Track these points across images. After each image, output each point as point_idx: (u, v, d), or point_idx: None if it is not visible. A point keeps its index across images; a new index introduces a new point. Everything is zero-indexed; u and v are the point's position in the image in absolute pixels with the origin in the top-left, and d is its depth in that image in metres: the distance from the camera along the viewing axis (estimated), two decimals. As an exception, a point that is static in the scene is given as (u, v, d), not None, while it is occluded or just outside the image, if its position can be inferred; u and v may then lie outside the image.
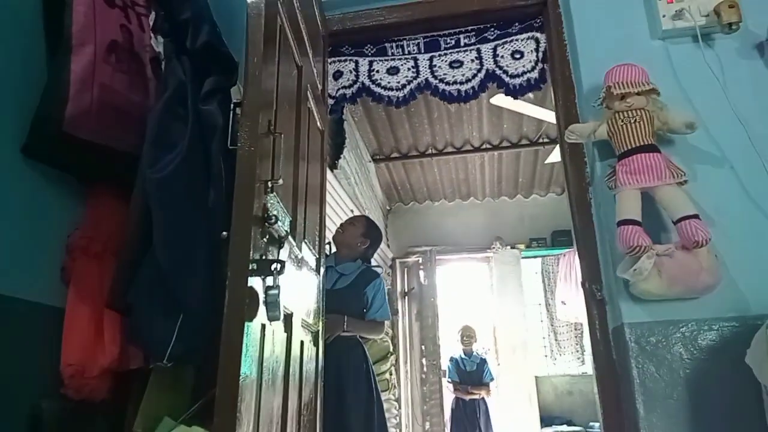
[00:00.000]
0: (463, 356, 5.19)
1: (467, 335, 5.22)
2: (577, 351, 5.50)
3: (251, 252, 1.19)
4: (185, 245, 1.34)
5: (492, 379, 5.08)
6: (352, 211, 4.29)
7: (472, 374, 5.05)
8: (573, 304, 5.22)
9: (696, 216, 1.56)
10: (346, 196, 4.13)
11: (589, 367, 4.53)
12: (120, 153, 1.46)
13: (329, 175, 3.68)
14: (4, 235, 1.29)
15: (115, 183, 1.51)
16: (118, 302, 1.36)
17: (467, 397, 4.98)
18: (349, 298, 2.50)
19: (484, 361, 5.15)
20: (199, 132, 1.43)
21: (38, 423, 1.26)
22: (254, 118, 1.29)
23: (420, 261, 5.88)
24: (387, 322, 2.76)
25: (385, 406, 4.85)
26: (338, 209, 3.95)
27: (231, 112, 1.52)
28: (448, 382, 5.24)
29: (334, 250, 2.74)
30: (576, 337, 5.52)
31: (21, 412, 1.28)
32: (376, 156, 5.20)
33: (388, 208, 6.21)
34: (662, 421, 1.55)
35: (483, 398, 4.99)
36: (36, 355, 1.33)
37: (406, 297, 5.90)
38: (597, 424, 4.30)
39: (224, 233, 1.19)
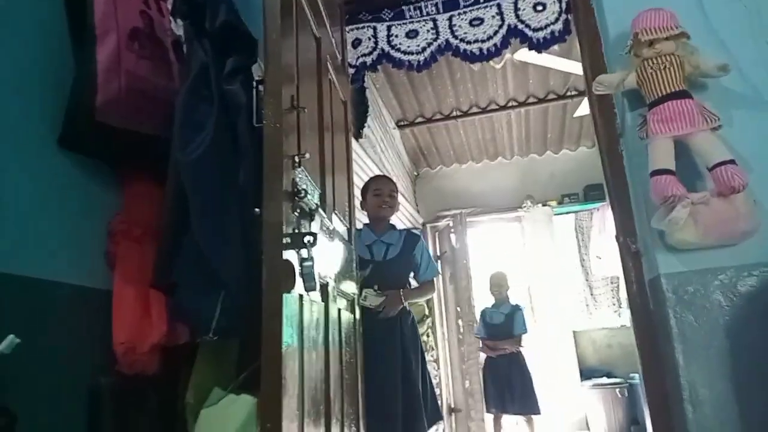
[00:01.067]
0: (490, 308, 4.70)
1: (495, 284, 4.71)
2: (614, 304, 5.46)
3: (284, 226, 1.22)
4: (220, 224, 1.38)
5: (524, 331, 4.46)
6: (379, 179, 4.30)
7: (499, 327, 4.52)
8: (608, 258, 5.16)
9: (732, 161, 1.52)
10: (372, 164, 4.14)
11: (626, 320, 4.51)
12: (151, 137, 1.50)
13: (354, 144, 3.68)
14: (48, 225, 1.36)
15: (149, 167, 1.56)
16: (162, 281, 1.42)
17: (494, 354, 4.48)
18: (404, 265, 2.56)
19: (515, 311, 4.55)
20: (225, 112, 1.46)
21: (97, 398, 1.34)
22: (277, 94, 1.31)
23: (450, 224, 5.88)
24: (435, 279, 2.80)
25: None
26: (365, 177, 3.96)
27: (254, 90, 1.53)
28: (476, 337, 4.83)
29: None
30: (612, 290, 5.47)
31: (80, 389, 1.36)
32: (401, 122, 5.16)
33: (415, 173, 6.19)
34: (702, 370, 1.54)
35: (517, 352, 4.42)
36: (90, 336, 1.41)
37: (439, 261, 5.93)
38: (637, 375, 4.32)
39: (257, 210, 1.22)
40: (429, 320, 4.47)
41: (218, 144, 1.42)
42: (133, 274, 1.43)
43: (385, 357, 2.26)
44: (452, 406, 5.48)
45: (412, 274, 2.65)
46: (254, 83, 1.55)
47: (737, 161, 1.52)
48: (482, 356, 4.93)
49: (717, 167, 1.53)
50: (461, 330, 5.61)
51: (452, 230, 5.86)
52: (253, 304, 1.22)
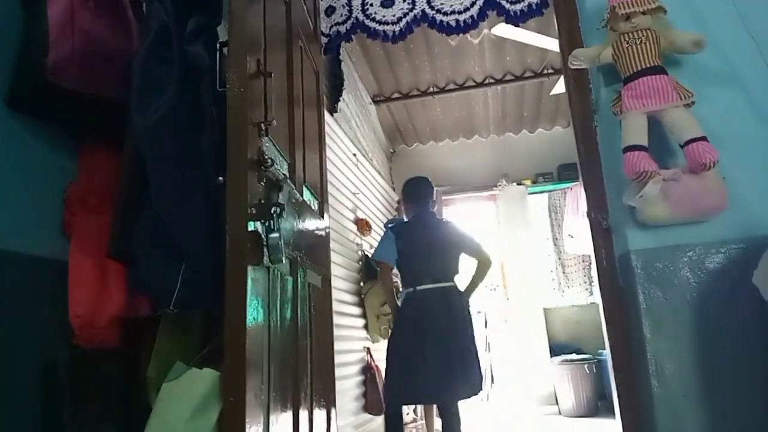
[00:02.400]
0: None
1: None
2: (585, 282, 5.55)
3: (249, 196, 1.17)
4: (181, 192, 1.32)
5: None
6: (354, 155, 4.24)
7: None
8: (580, 237, 5.23)
9: (704, 138, 1.52)
10: (347, 139, 4.07)
11: (596, 298, 4.59)
12: (107, 101, 1.42)
13: (329, 118, 3.61)
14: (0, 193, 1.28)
15: (106, 133, 1.49)
16: (119, 252, 1.36)
17: None
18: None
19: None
20: (187, 75, 1.39)
21: (53, 372, 1.29)
22: (241, 57, 1.25)
23: (426, 202, 5.87)
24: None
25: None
26: (340, 153, 3.90)
27: (218, 53, 1.46)
28: None
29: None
30: (584, 269, 5.56)
31: (36, 362, 1.31)
32: (377, 97, 5.09)
33: (391, 150, 6.14)
34: (668, 344, 1.56)
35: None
36: (46, 308, 1.35)
37: (414, 238, 5.93)
38: (605, 352, 4.41)
39: (220, 178, 1.17)
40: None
41: (179, 108, 1.35)
42: (91, 244, 1.37)
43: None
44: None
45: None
46: (218, 45, 1.48)
47: (708, 138, 1.52)
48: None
49: (689, 144, 1.53)
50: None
51: (427, 208, 5.85)
52: (218, 276, 1.18)
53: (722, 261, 1.57)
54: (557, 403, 5.06)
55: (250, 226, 1.18)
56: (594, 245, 1.83)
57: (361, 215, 4.30)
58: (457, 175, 5.93)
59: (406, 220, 3.23)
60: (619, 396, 1.71)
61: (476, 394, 2.82)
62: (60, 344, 1.34)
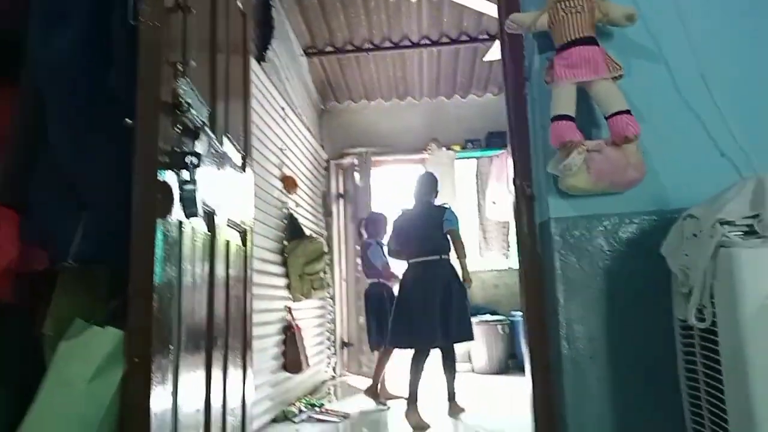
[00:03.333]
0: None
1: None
2: (504, 248, 5.77)
3: (160, 142, 1.07)
4: (85, 135, 1.19)
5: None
6: (283, 109, 4.08)
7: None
8: (502, 204, 5.40)
9: (628, 111, 1.56)
10: (276, 92, 3.90)
11: (513, 262, 4.78)
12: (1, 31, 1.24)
13: (256, 67, 3.43)
14: None
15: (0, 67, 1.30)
16: (11, 199, 1.21)
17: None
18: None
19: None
20: (94, 3, 1.23)
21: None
22: (156, -14, 1.12)
23: (355, 162, 5.81)
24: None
25: (320, 303, 4.97)
26: (268, 106, 3.73)
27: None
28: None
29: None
30: (504, 234, 5.76)
31: None
32: (309, 49, 4.90)
33: (322, 107, 5.98)
34: (579, 308, 1.63)
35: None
36: None
37: (341, 199, 5.88)
38: (518, 313, 4.63)
39: (128, 120, 1.06)
40: (327, 257, 4.44)
41: (84, 40, 1.20)
42: (-24, 189, 1.21)
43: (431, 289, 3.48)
44: (345, 340, 5.60)
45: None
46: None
47: (632, 111, 1.57)
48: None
49: (614, 116, 1.57)
50: (359, 268, 5.68)
51: (356, 168, 5.80)
52: (124, 228, 1.08)
53: (635, 231, 1.64)
54: (470, 361, 5.29)
55: (161, 176, 1.09)
56: (516, 212, 1.87)
57: (287, 172, 4.18)
58: (388, 137, 5.90)
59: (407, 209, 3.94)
60: (530, 356, 1.78)
61: (468, 340, 3.62)
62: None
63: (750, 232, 1.26)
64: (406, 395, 3.39)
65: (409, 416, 3.32)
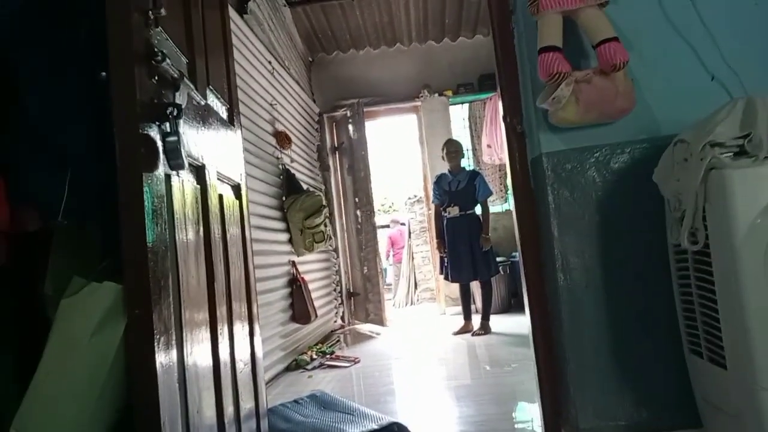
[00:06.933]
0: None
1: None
2: (501, 191, 5.76)
3: (138, 93, 1.05)
4: (57, 90, 1.16)
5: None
6: (270, 62, 3.99)
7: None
8: (497, 147, 5.35)
9: (616, 39, 1.53)
10: (261, 45, 3.80)
11: (511, 205, 4.79)
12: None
13: (238, 19, 3.34)
14: None
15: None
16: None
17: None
18: (469, 191, 4.58)
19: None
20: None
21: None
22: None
23: (348, 114, 5.73)
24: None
25: (324, 256, 5.03)
26: (254, 61, 3.65)
27: None
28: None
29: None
30: (500, 178, 5.75)
31: None
32: (292, -1, 4.75)
33: (310, 59, 5.85)
34: (574, 239, 1.65)
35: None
36: None
37: (337, 152, 5.84)
38: (517, 254, 4.67)
39: (103, 73, 1.03)
40: (326, 210, 4.45)
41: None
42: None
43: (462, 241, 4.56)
44: (351, 290, 5.69)
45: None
46: None
47: (620, 38, 1.53)
48: (381, 244, 5.12)
49: (601, 44, 1.53)
50: (359, 220, 5.70)
51: (350, 120, 5.73)
52: (111, 182, 1.07)
53: (626, 161, 1.64)
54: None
55: (143, 128, 1.07)
56: (508, 149, 1.86)
57: (280, 128, 4.14)
58: (380, 86, 5.80)
59: (446, 172, 4.73)
60: (528, 290, 1.81)
61: (496, 274, 4.72)
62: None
63: (740, 153, 1.25)
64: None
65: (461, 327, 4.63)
